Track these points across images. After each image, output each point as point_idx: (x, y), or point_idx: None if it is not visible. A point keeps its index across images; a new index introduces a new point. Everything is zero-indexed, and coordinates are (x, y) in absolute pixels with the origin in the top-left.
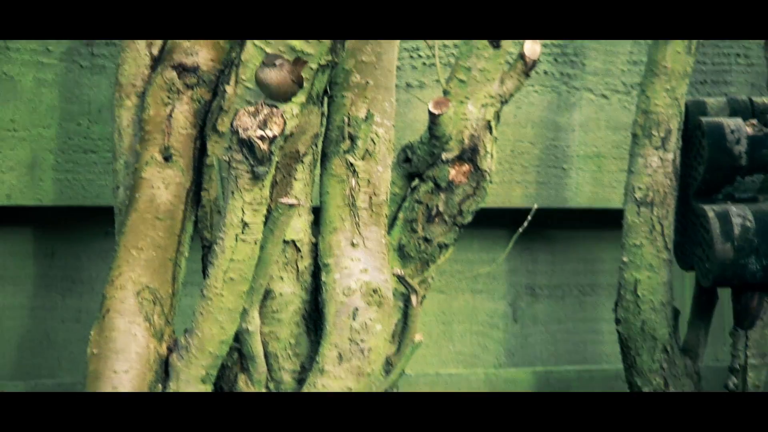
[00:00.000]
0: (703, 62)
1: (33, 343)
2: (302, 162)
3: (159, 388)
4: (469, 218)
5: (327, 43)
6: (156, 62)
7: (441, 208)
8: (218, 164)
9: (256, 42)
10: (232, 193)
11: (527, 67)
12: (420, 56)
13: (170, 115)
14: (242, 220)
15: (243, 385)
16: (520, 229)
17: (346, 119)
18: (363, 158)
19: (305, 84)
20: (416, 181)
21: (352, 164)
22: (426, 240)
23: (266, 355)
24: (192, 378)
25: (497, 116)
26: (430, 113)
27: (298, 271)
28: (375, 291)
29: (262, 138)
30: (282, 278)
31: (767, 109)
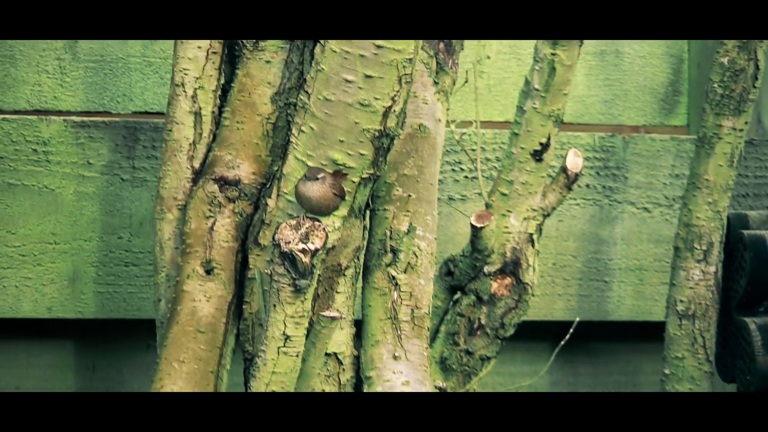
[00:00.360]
0: (745, 175)
1: None
2: (344, 275)
3: None
4: (511, 331)
5: (369, 156)
6: (197, 175)
7: (483, 321)
8: (260, 277)
9: (298, 155)
10: (274, 306)
11: (569, 181)
12: (462, 169)
13: (212, 228)
14: (284, 332)
15: None
16: (562, 342)
17: (388, 232)
18: (405, 271)
19: (347, 197)
20: (458, 294)
21: (394, 277)
22: (468, 353)
23: None
24: None
25: (539, 229)
26: (473, 226)
27: (340, 383)
28: None
29: (303, 251)
30: (324, 391)
31: None
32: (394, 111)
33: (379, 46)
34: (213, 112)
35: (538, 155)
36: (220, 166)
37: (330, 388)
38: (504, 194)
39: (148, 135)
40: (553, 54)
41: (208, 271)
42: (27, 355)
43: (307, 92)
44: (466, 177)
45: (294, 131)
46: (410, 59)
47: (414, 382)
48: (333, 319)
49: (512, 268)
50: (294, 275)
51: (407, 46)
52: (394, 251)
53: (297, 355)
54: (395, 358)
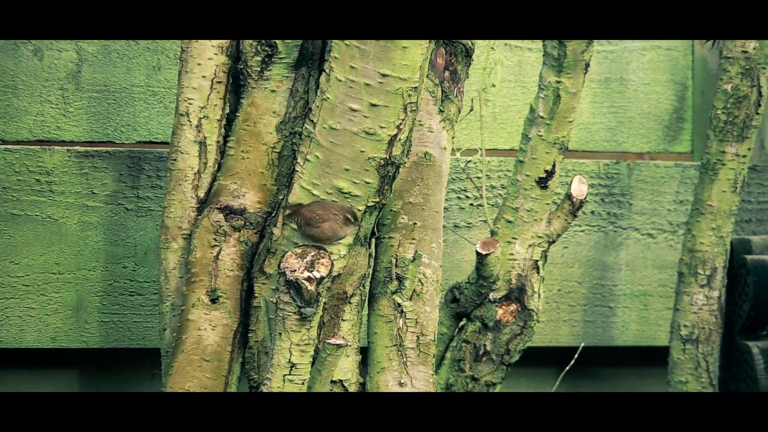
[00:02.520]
0: (748, 201)
1: None
2: (350, 302)
3: None
4: (516, 357)
5: (374, 184)
6: (202, 204)
7: (488, 348)
8: (265, 306)
9: (303, 184)
10: (280, 334)
11: (574, 208)
12: (467, 197)
13: (217, 257)
14: (290, 360)
15: None
16: (567, 367)
17: (393, 260)
18: (410, 299)
19: (352, 227)
20: (464, 321)
21: (399, 305)
22: (473, 379)
23: None
24: None
25: (544, 256)
26: (478, 253)
27: None
28: None
29: (309, 279)
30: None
31: None
32: (400, 139)
33: (384, 75)
34: (218, 142)
35: (543, 182)
36: (225, 195)
37: None
38: (509, 221)
39: (152, 164)
40: (557, 81)
41: (214, 300)
42: (31, 385)
43: (312, 121)
44: (471, 204)
45: (299, 160)
46: (415, 87)
47: None
48: (339, 346)
49: (517, 294)
50: (299, 303)
51: (412, 74)
52: (400, 279)
53: (303, 383)
54: (401, 384)
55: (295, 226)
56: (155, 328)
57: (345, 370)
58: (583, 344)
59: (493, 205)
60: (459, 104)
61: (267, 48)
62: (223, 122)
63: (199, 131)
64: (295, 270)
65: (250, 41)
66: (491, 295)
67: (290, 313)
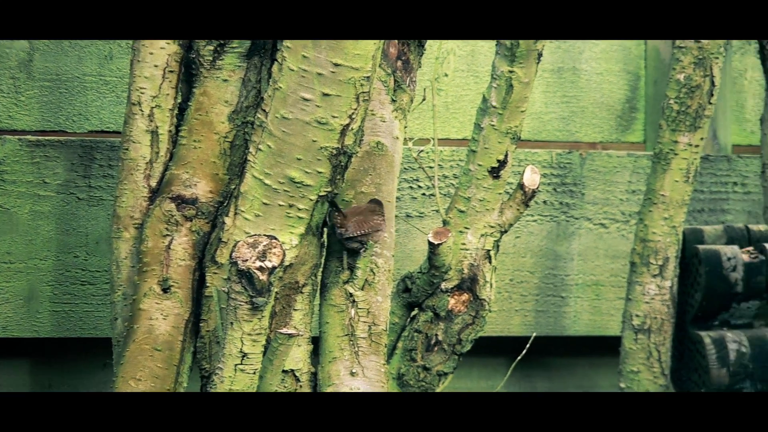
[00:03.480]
0: (701, 191)
1: None
2: (302, 292)
3: None
4: (468, 347)
5: (326, 174)
6: (154, 194)
7: (440, 337)
8: (217, 295)
9: (255, 173)
10: (231, 323)
11: (526, 197)
12: (419, 187)
13: (169, 247)
14: (241, 350)
15: None
16: (519, 357)
17: (345, 249)
18: (362, 288)
19: (304, 215)
20: (415, 311)
21: (351, 294)
22: (425, 369)
23: None
24: None
25: (497, 246)
26: (430, 243)
27: None
28: None
29: (261, 269)
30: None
31: (764, 237)
32: (352, 129)
33: (336, 64)
34: (170, 131)
35: (495, 172)
36: (177, 184)
37: None
38: (461, 211)
39: (104, 154)
40: (510, 71)
41: (165, 290)
42: None
43: (264, 110)
44: (423, 194)
45: (251, 149)
46: (368, 77)
47: None
48: (290, 336)
49: (469, 284)
50: (251, 293)
51: (365, 64)
52: (352, 268)
53: (254, 373)
54: (352, 374)
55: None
56: (107, 317)
57: (296, 360)
58: (534, 334)
59: (445, 195)
60: (411, 94)
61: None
62: (175, 112)
63: (151, 121)
64: (247, 260)
65: None
66: (443, 285)
67: (242, 303)
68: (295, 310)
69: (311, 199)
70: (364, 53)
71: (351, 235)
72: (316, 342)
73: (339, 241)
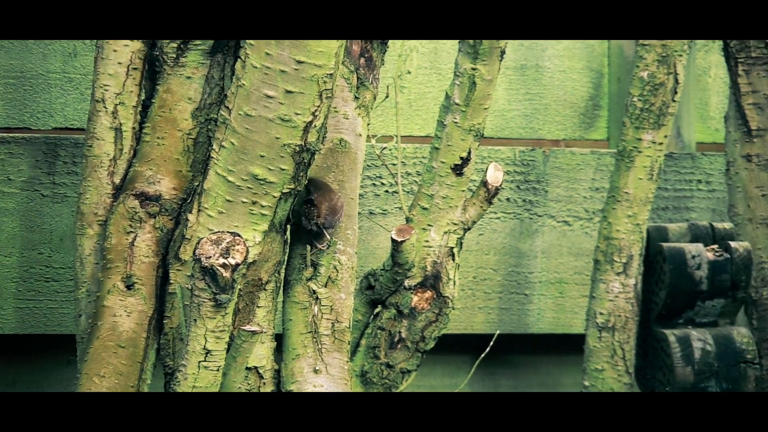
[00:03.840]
0: (665, 188)
1: None
2: (265, 289)
3: None
4: (431, 344)
5: (290, 171)
6: (118, 191)
7: (404, 335)
8: (181, 292)
9: (218, 170)
10: (195, 320)
11: (490, 195)
12: (383, 184)
13: (132, 244)
14: (205, 347)
15: None
16: (483, 355)
17: (308, 247)
18: (325, 285)
19: (267, 212)
20: (379, 308)
21: (314, 291)
22: (388, 366)
23: None
24: None
25: (460, 243)
26: (393, 240)
27: None
28: None
29: (224, 266)
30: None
31: (728, 235)
32: (315, 126)
33: (299, 62)
34: (133, 128)
35: (458, 169)
36: (140, 181)
37: None
38: (424, 208)
39: (68, 151)
40: (473, 68)
41: (129, 287)
42: None
43: (227, 107)
44: (386, 191)
45: (215, 146)
46: (330, 74)
47: None
48: (254, 333)
49: (433, 281)
50: (214, 290)
51: (328, 61)
52: (315, 265)
53: (218, 370)
54: (316, 371)
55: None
56: (71, 314)
57: (260, 357)
58: (498, 332)
59: (408, 192)
60: (374, 91)
61: None
62: (139, 108)
63: (115, 117)
64: (210, 256)
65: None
66: (406, 282)
67: (205, 300)
68: (259, 307)
69: (274, 196)
70: (326, 50)
71: (325, 224)
72: (280, 339)
73: (308, 230)
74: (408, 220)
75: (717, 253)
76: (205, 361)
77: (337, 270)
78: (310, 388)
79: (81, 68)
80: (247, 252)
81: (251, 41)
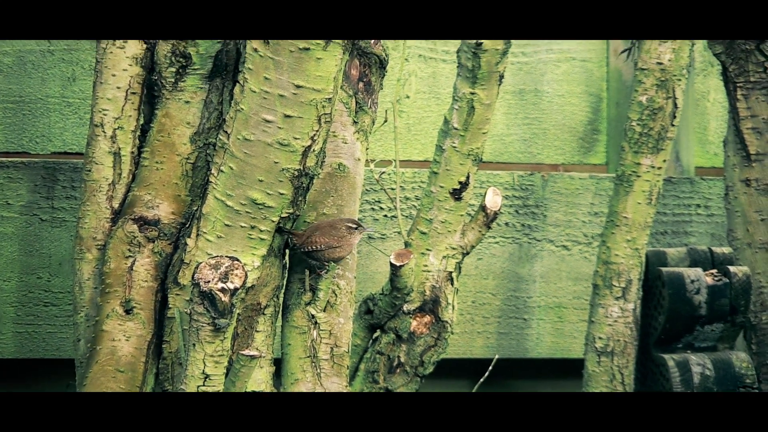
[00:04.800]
0: (664, 213)
1: None
2: (264, 314)
3: None
4: (430, 369)
5: (288, 195)
6: (116, 215)
7: (402, 359)
8: (179, 316)
9: (217, 195)
10: (194, 344)
11: (488, 219)
12: (381, 208)
13: (131, 268)
14: (203, 371)
15: None
16: (482, 380)
17: (307, 271)
18: (324, 310)
19: (266, 236)
20: (378, 332)
21: (313, 316)
22: (387, 391)
23: None
24: None
25: (459, 267)
26: (392, 265)
27: None
28: None
29: (223, 290)
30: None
31: (727, 260)
32: (314, 150)
33: (298, 86)
34: (132, 152)
35: (457, 194)
36: (139, 206)
37: None
38: (423, 233)
39: (67, 175)
40: (472, 93)
41: (128, 311)
42: None
43: (226, 132)
44: (385, 216)
45: (213, 171)
46: (329, 99)
47: None
48: (252, 357)
49: (431, 306)
50: (213, 314)
51: (326, 86)
52: (314, 290)
53: None
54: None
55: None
56: (70, 338)
57: (259, 382)
58: (497, 356)
59: (407, 217)
60: (373, 115)
61: (181, 59)
62: (138, 133)
63: (114, 142)
64: (209, 281)
65: (165, 53)
66: (405, 307)
67: (204, 324)
68: (257, 331)
69: (273, 221)
70: (325, 75)
71: (307, 250)
72: (279, 363)
73: (304, 259)
74: (407, 244)
75: (716, 278)
76: (204, 385)
77: (335, 294)
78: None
79: (80, 93)
80: (246, 276)
81: (250, 65)
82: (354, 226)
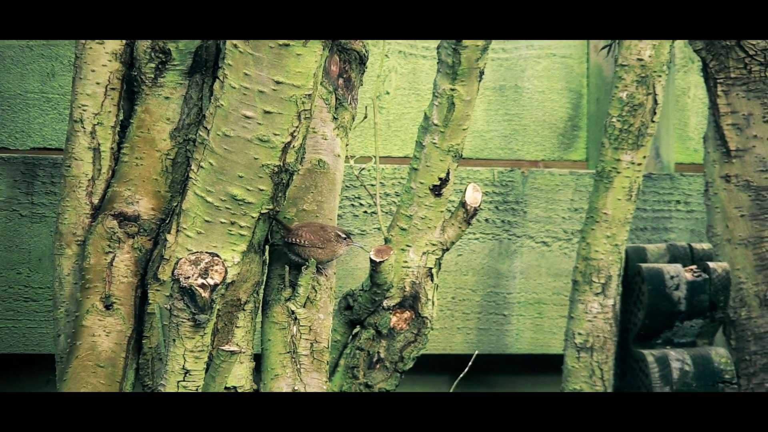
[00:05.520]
0: (644, 209)
1: None
2: (244, 309)
3: None
4: (410, 364)
5: (268, 191)
6: (96, 211)
7: (382, 355)
8: (159, 312)
9: (197, 191)
10: (174, 340)
11: (468, 215)
12: (361, 204)
13: (111, 264)
14: (183, 367)
15: None
16: (461, 375)
17: (287, 267)
18: (304, 306)
19: (246, 232)
20: (358, 328)
21: (293, 312)
22: (367, 386)
23: None
24: None
25: (438, 263)
26: (372, 261)
27: None
28: None
29: (203, 286)
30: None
31: (707, 256)
32: (294, 146)
33: (278, 82)
34: (112, 148)
35: (437, 190)
36: (119, 201)
37: None
38: (403, 229)
39: (46, 171)
40: (452, 89)
41: (108, 306)
42: None
43: (206, 128)
44: (365, 212)
45: (193, 167)
46: (309, 95)
47: None
48: (232, 353)
49: (411, 302)
50: (193, 310)
51: (306, 82)
52: (294, 286)
53: (197, 389)
54: (295, 392)
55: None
56: (50, 334)
57: (239, 377)
58: (477, 352)
59: (387, 213)
60: (353, 111)
61: (161, 55)
62: (117, 129)
63: (93, 138)
64: (189, 277)
65: (144, 48)
66: (385, 303)
67: (184, 320)
68: (237, 327)
69: (253, 217)
70: (305, 71)
71: (290, 241)
72: (259, 359)
73: (285, 252)
74: (386, 240)
75: (695, 274)
76: (184, 380)
77: (315, 290)
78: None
79: (59, 88)
80: (226, 272)
81: (230, 61)
82: (343, 236)
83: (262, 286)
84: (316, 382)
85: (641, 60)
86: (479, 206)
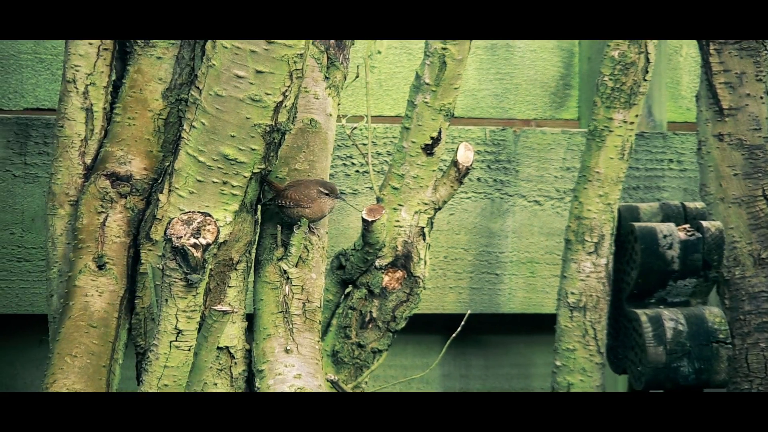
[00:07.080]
0: (636, 167)
1: None
2: (236, 269)
3: None
4: (402, 324)
5: (260, 151)
6: (89, 171)
7: (374, 314)
8: (152, 272)
9: (189, 150)
10: (166, 300)
11: (460, 174)
12: (353, 164)
13: (104, 224)
14: (176, 327)
15: None
16: (454, 335)
17: (279, 227)
18: (296, 265)
19: (238, 192)
20: (350, 288)
21: (285, 271)
22: (360, 346)
23: None
24: None
25: (431, 223)
26: (364, 220)
27: (232, 377)
28: None
29: (195, 246)
30: (216, 384)
31: (700, 214)
32: (285, 106)
33: (269, 42)
34: (104, 109)
35: (429, 149)
36: (111, 161)
37: (222, 381)
38: (395, 188)
39: (39, 131)
40: (443, 48)
41: (100, 266)
42: None
43: (198, 88)
44: (357, 171)
45: (185, 127)
46: (301, 54)
47: (306, 375)
48: (225, 313)
49: (403, 261)
50: (186, 270)
51: (298, 41)
52: (286, 245)
53: (189, 349)
54: (287, 351)
55: (281, 206)
56: (43, 294)
57: (231, 337)
58: (469, 311)
59: (378, 172)
60: (345, 71)
61: None
62: (110, 89)
63: (86, 98)
64: (182, 236)
65: None
66: (377, 262)
67: (176, 280)
68: (230, 287)
69: (245, 176)
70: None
71: (278, 203)
72: (251, 319)
73: (277, 213)
74: (379, 199)
75: (689, 233)
76: (176, 340)
77: (307, 250)
78: (281, 368)
79: (52, 49)
80: (218, 232)
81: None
82: (325, 191)
83: (255, 246)
84: (308, 342)
85: None
86: (471, 165)
